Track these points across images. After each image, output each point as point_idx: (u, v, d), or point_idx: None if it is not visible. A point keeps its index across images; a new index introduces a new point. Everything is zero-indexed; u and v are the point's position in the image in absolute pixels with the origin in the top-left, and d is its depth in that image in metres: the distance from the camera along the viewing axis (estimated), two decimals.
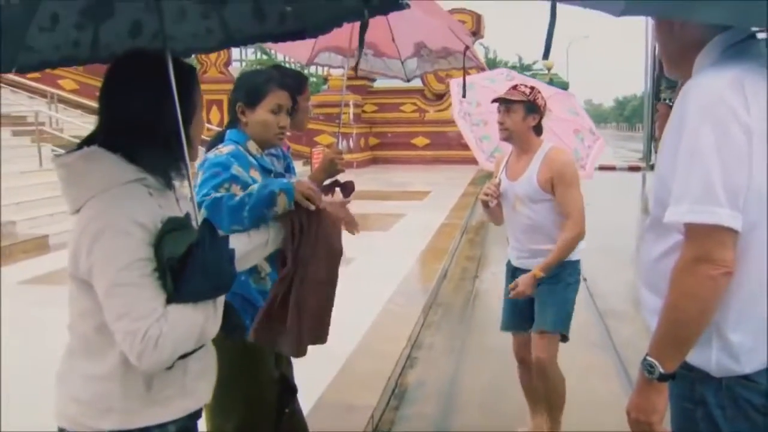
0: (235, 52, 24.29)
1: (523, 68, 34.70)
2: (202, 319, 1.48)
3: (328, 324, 2.25)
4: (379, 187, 15.66)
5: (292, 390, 2.41)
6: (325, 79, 25.97)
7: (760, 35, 1.61)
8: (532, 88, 3.28)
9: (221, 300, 1.57)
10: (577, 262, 3.30)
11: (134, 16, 1.92)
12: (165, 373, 1.52)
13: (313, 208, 2.08)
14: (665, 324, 1.53)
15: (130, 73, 1.58)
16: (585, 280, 6.21)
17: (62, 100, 16.99)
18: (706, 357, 1.55)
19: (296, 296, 2.12)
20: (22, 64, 1.94)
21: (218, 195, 2.07)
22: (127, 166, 1.53)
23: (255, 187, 2.09)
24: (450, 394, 4.32)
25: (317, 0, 1.88)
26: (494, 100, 3.29)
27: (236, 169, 2.18)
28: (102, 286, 1.44)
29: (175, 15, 2.00)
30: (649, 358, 1.55)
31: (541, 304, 3.25)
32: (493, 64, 34.78)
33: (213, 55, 20.48)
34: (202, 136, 1.76)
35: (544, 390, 3.32)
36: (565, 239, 3.13)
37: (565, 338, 3.26)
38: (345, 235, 2.68)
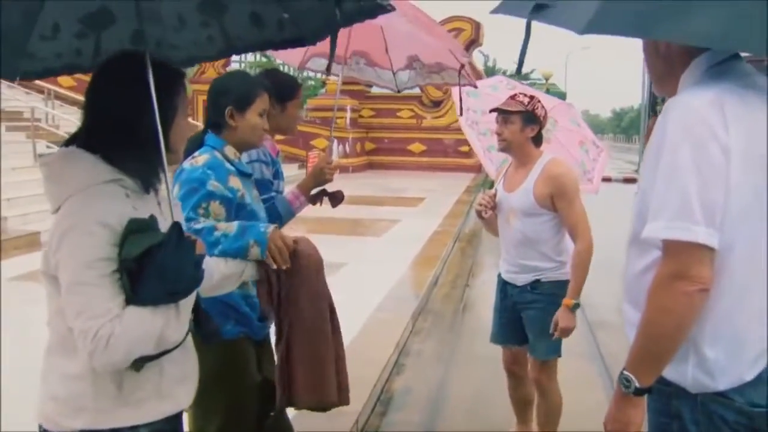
0: None
1: (522, 77, 34.78)
2: (161, 323, 1.48)
3: (327, 381, 2.12)
4: (374, 192, 15.67)
5: (274, 394, 2.40)
6: (323, 83, 25.99)
7: (744, 54, 1.64)
8: (532, 97, 3.20)
9: (186, 305, 1.57)
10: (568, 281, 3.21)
11: (135, 25, 1.95)
12: (136, 375, 1.52)
13: (283, 267, 2.06)
14: (642, 339, 1.54)
15: (115, 75, 1.61)
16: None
17: (59, 97, 16.98)
18: (683, 372, 1.56)
19: (285, 344, 2.07)
20: (25, 72, 1.98)
21: (199, 227, 2.08)
22: (105, 166, 1.55)
23: (233, 227, 2.09)
24: (437, 400, 4.33)
25: (311, 7, 1.89)
26: (492, 110, 3.24)
27: (212, 185, 2.17)
28: (64, 283, 1.46)
29: (174, 23, 2.03)
30: (625, 372, 1.56)
31: (535, 332, 3.21)
32: (491, 72, 34.85)
33: None
34: None
35: (543, 407, 3.34)
36: (579, 254, 3.05)
37: (558, 355, 3.27)
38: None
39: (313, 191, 2.85)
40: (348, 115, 22.43)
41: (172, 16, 2.01)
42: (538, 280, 3.19)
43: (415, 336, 5.66)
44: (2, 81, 15.41)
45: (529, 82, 33.81)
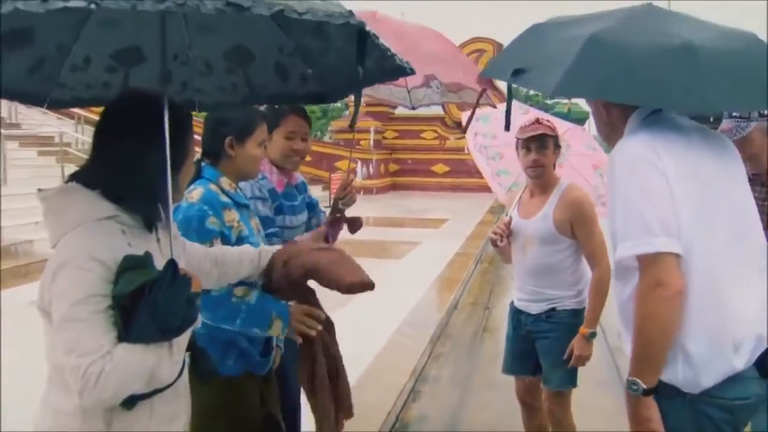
0: None
1: (545, 96, 34.69)
2: (153, 361, 1.47)
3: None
4: (397, 213, 15.67)
5: (278, 429, 2.39)
6: (347, 105, 26.18)
7: None
8: (549, 120, 3.18)
9: (180, 343, 1.56)
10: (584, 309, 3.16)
11: (164, 66, 1.99)
12: (127, 414, 1.51)
13: (313, 333, 2.17)
14: (636, 346, 1.76)
15: (126, 113, 1.61)
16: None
17: (89, 122, 17.29)
18: (674, 372, 1.77)
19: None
20: (54, 99, 2.04)
21: (216, 294, 2.13)
22: (102, 202, 1.55)
23: (252, 295, 2.13)
24: (452, 428, 4.28)
25: (335, 66, 1.92)
26: (528, 138, 3.09)
27: (211, 222, 2.17)
28: (55, 319, 1.45)
29: (201, 68, 2.09)
30: (630, 378, 1.77)
31: (550, 362, 3.15)
32: (516, 91, 34.86)
33: None
34: None
35: None
36: (597, 282, 3.00)
37: (573, 385, 3.20)
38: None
39: (332, 218, 2.89)
40: (372, 136, 22.53)
41: (200, 60, 2.07)
42: (553, 309, 3.13)
43: (434, 361, 5.61)
44: (34, 107, 15.80)
45: (553, 101, 33.76)
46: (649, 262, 1.71)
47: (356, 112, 1.77)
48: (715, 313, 1.76)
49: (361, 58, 1.53)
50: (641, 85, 1.72)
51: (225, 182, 2.30)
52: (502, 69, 2.01)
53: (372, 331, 5.76)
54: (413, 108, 3.77)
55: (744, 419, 1.82)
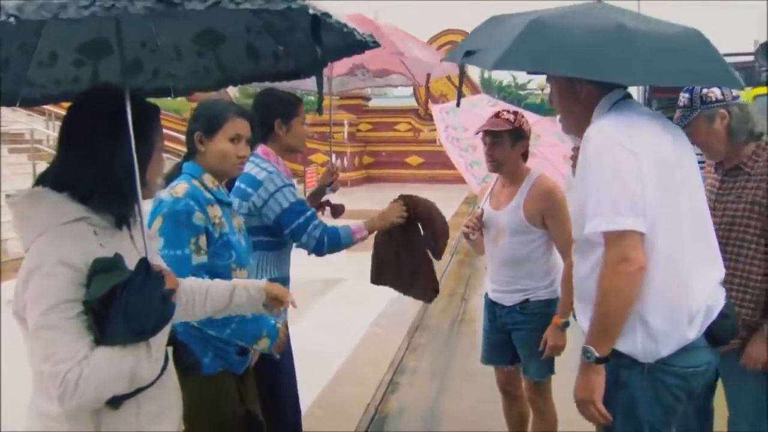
0: None
1: (518, 87, 34.90)
2: (132, 362, 1.46)
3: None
4: (372, 206, 15.50)
5: (259, 427, 2.37)
6: (322, 97, 26.04)
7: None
8: (516, 113, 3.18)
9: (158, 341, 1.56)
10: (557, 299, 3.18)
11: (133, 54, 1.97)
12: (114, 413, 1.51)
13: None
14: (596, 317, 1.88)
15: (91, 110, 1.59)
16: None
17: (59, 118, 16.95)
18: (632, 343, 1.90)
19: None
20: (24, 98, 2.01)
21: None
22: (71, 204, 1.53)
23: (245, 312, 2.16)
24: (431, 419, 4.30)
25: (304, 43, 1.90)
26: (478, 131, 3.20)
27: (198, 217, 2.16)
28: (30, 326, 1.44)
29: (170, 54, 2.05)
30: (586, 346, 1.89)
31: (527, 353, 3.17)
32: (488, 83, 34.96)
33: None
34: None
35: (539, 426, 3.29)
36: (568, 273, 2.93)
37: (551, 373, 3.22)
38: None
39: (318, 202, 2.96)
40: (346, 129, 22.46)
41: (169, 46, 2.03)
42: (527, 300, 3.15)
43: (411, 353, 5.63)
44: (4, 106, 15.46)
45: (525, 92, 33.98)
46: (615, 239, 1.82)
47: (320, 95, 1.80)
48: (674, 288, 1.90)
49: (316, 39, 1.52)
50: (575, 58, 1.87)
51: (208, 179, 2.28)
52: (458, 53, 2.16)
53: (350, 324, 5.75)
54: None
55: (696, 385, 1.97)
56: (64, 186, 1.54)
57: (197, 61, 2.06)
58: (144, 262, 1.46)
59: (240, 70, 2.08)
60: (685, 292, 1.92)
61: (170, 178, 2.35)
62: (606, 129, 1.92)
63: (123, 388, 1.48)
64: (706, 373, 2.00)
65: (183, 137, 2.44)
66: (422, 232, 3.09)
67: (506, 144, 3.10)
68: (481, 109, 4.09)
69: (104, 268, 1.45)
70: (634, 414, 1.93)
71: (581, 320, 2.05)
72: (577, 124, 2.14)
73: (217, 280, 2.03)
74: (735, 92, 2.68)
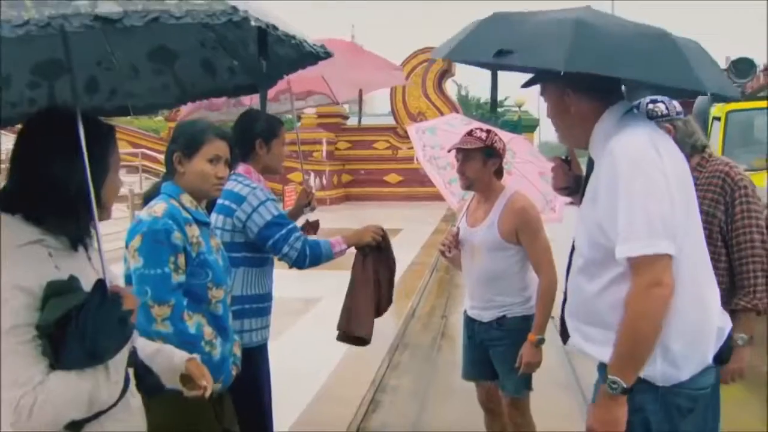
0: None
1: (492, 108, 35.16)
2: (89, 386, 1.44)
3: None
4: (351, 224, 15.39)
5: None
6: (299, 117, 26.10)
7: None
8: (489, 131, 3.20)
9: (117, 363, 1.53)
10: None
11: (88, 73, 1.95)
12: None
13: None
14: (625, 344, 1.78)
15: (42, 133, 1.56)
16: (553, 318, 6.22)
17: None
18: (653, 369, 1.82)
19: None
20: None
21: (193, 331, 2.20)
22: (25, 227, 1.49)
23: (217, 351, 2.24)
24: None
25: (256, 56, 1.92)
26: (450, 149, 3.23)
27: (177, 236, 2.17)
28: None
29: (127, 72, 2.04)
30: (611, 376, 1.79)
31: (504, 370, 3.18)
32: (465, 101, 35.29)
33: None
34: None
35: None
36: (544, 290, 3.04)
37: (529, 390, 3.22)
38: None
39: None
40: (324, 147, 22.50)
41: (125, 64, 2.02)
42: (504, 317, 3.16)
43: (392, 371, 5.60)
44: None
45: (503, 109, 34.27)
46: (648, 262, 1.73)
47: (263, 105, 1.81)
48: (696, 312, 1.85)
49: (262, 51, 1.52)
50: (639, 61, 1.79)
51: (186, 199, 2.28)
52: (471, 51, 1.98)
53: (330, 343, 5.69)
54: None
55: (704, 405, 1.93)
56: (18, 208, 1.50)
57: (155, 78, 2.05)
58: (100, 284, 1.44)
59: (197, 86, 2.08)
60: (706, 315, 1.89)
61: (149, 197, 2.35)
62: (634, 144, 1.83)
63: (82, 412, 1.45)
64: (711, 391, 1.96)
65: (161, 157, 2.43)
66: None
67: (478, 161, 3.13)
68: (457, 128, 4.13)
69: (58, 291, 1.42)
70: None
71: (582, 344, 1.98)
72: (572, 137, 2.09)
73: (142, 339, 1.97)
74: (679, 107, 2.77)
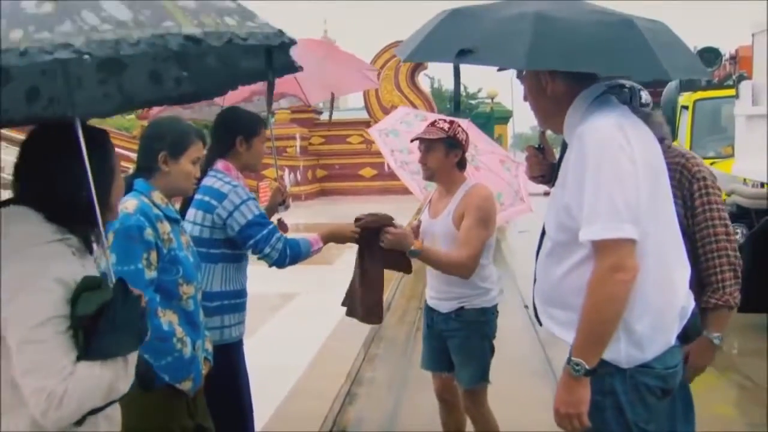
0: None
1: (469, 96, 35.29)
2: (111, 376, 1.51)
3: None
4: (327, 219, 15.56)
5: None
6: (273, 114, 25.95)
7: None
8: (452, 122, 3.19)
9: (133, 357, 1.60)
10: (495, 307, 3.23)
11: (31, 82, 1.94)
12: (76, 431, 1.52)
13: None
14: (588, 326, 1.81)
15: (47, 149, 1.63)
16: (527, 307, 6.28)
17: (6, 138, 16.44)
18: (617, 350, 1.86)
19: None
20: None
21: (166, 327, 2.20)
22: (48, 225, 1.57)
23: (188, 349, 2.23)
24: (390, 429, 4.30)
25: (213, 65, 1.94)
26: (413, 139, 3.23)
27: (148, 233, 2.19)
28: (15, 340, 1.45)
29: (71, 81, 1.99)
30: (574, 358, 1.82)
31: (459, 361, 3.20)
32: (438, 93, 35.28)
33: None
34: None
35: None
36: (452, 259, 3.00)
37: (486, 381, 3.23)
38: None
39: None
40: (298, 143, 22.39)
41: (71, 75, 1.98)
42: (462, 308, 3.16)
43: (368, 363, 5.62)
44: None
45: (476, 101, 34.39)
46: (611, 246, 1.76)
47: (269, 103, 1.98)
48: (661, 295, 1.89)
49: (270, 69, 1.62)
50: (602, 54, 1.82)
51: (157, 196, 2.32)
52: (433, 52, 2.04)
53: (306, 338, 5.72)
54: None
55: (673, 383, 1.98)
56: (40, 210, 1.59)
57: (98, 87, 2.06)
58: (122, 282, 1.52)
59: (141, 95, 2.09)
60: (671, 298, 1.93)
61: None
62: (602, 129, 1.84)
63: (100, 401, 1.51)
64: (681, 370, 2.02)
65: (133, 155, 2.44)
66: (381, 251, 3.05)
67: (440, 152, 3.12)
68: (416, 126, 4.11)
69: (90, 286, 1.50)
70: (623, 418, 1.91)
71: (551, 326, 2.01)
72: (548, 120, 2.11)
73: None
74: (644, 99, 2.73)
